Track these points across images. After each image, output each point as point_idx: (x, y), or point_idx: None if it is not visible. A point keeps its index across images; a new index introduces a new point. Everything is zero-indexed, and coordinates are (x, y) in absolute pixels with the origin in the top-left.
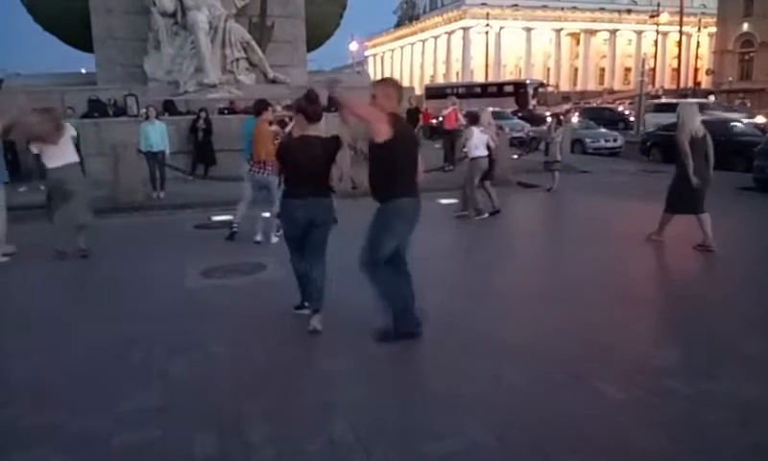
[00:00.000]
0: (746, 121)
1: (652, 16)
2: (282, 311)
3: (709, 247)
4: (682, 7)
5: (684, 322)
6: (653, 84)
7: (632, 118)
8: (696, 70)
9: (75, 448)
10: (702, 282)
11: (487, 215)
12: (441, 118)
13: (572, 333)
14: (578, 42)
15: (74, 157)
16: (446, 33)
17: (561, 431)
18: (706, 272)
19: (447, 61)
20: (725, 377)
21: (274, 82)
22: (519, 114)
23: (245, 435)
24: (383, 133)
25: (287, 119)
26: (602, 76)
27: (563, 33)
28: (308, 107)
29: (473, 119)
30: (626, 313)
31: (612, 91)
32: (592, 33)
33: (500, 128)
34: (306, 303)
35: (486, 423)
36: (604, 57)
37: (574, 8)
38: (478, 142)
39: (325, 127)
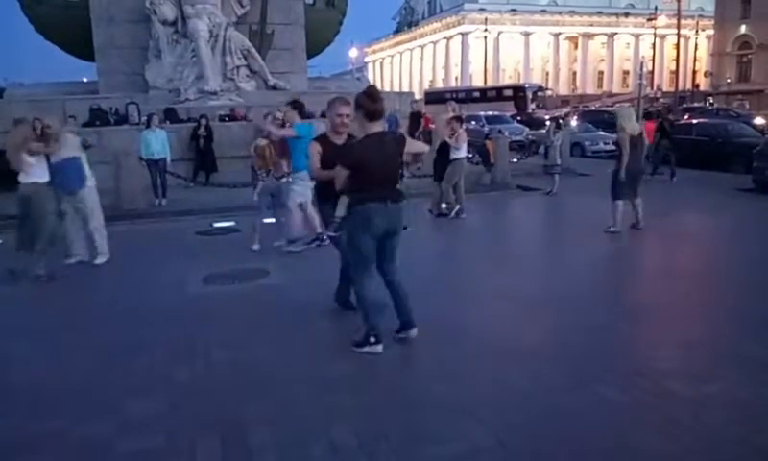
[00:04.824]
0: None
1: (649, 20)
2: (284, 316)
3: (638, 226)
4: (679, 10)
5: (683, 323)
6: (651, 86)
7: None
8: (694, 72)
9: (80, 455)
10: (701, 283)
11: (453, 215)
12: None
13: (572, 336)
14: (576, 46)
15: (42, 177)
16: (445, 38)
17: (563, 434)
18: (705, 273)
19: (446, 67)
20: (726, 380)
21: (274, 88)
22: (518, 118)
23: (247, 440)
24: None
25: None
26: (600, 79)
27: (561, 37)
28: (369, 104)
29: (460, 122)
30: (626, 315)
31: (610, 94)
32: (590, 36)
33: (500, 132)
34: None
35: (488, 426)
36: (602, 60)
37: (572, 12)
38: (461, 144)
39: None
